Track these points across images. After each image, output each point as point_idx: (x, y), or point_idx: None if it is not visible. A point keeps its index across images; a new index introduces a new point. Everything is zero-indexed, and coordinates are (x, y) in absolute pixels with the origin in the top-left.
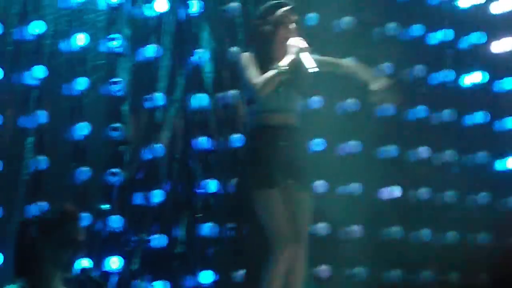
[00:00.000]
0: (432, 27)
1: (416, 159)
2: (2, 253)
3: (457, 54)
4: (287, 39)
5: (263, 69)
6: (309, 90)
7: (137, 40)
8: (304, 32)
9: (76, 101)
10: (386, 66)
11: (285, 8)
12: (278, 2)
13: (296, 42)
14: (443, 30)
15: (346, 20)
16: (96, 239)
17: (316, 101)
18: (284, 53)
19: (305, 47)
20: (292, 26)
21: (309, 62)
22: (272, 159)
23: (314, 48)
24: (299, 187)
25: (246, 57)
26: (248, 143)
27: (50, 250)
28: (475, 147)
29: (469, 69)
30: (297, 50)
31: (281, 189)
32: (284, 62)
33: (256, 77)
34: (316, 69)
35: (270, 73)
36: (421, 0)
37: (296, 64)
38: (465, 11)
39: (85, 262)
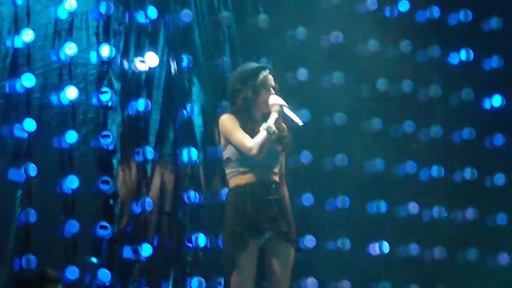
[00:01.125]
0: (422, 82)
1: (405, 215)
2: None
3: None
4: (267, 101)
5: (245, 129)
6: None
7: (128, 94)
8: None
9: (65, 154)
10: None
11: (266, 73)
12: (258, 66)
13: (275, 100)
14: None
15: (336, 76)
16: None
17: (305, 155)
18: (264, 114)
19: (284, 104)
20: (273, 89)
21: (294, 116)
22: (248, 216)
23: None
24: (280, 241)
25: (229, 119)
26: (226, 201)
27: None
28: (464, 203)
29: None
30: (279, 108)
31: (258, 246)
32: (271, 122)
33: (247, 139)
34: (302, 123)
35: (262, 135)
36: (411, 57)
37: (280, 121)
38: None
39: None
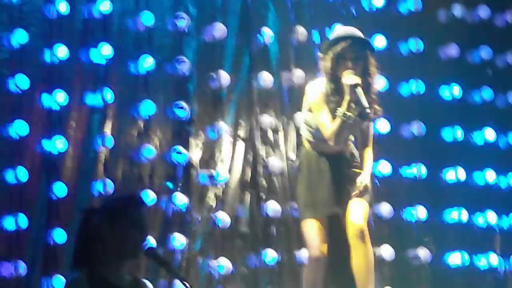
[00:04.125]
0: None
1: (482, 142)
2: (66, 232)
3: None
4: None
5: (326, 98)
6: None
7: (203, 19)
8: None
9: (142, 80)
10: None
11: (344, 44)
12: (343, 37)
13: (348, 79)
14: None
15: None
16: (161, 217)
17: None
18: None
19: (358, 84)
20: (350, 63)
21: (363, 99)
22: (319, 185)
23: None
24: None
25: (317, 95)
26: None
27: (114, 238)
28: None
29: None
30: (351, 89)
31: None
32: (345, 107)
33: (327, 125)
34: (369, 110)
35: (337, 123)
36: None
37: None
38: None
39: (150, 241)
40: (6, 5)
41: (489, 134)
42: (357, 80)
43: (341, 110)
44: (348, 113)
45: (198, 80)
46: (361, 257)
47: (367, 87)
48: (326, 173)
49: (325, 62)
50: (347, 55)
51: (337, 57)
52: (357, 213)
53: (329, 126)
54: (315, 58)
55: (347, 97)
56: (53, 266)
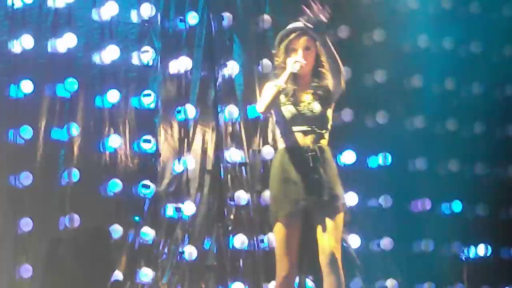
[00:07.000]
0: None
1: (446, 172)
2: (32, 267)
3: None
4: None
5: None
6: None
7: (168, 52)
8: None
9: (107, 114)
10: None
11: (293, 35)
12: (290, 29)
13: (293, 59)
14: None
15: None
16: (128, 251)
17: (347, 113)
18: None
19: (301, 61)
20: (301, 51)
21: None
22: (290, 181)
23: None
24: (323, 208)
25: (266, 87)
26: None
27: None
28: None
29: None
30: (293, 65)
31: (301, 212)
32: (280, 79)
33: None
34: (296, 69)
35: (266, 91)
36: None
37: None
38: None
39: (117, 275)
40: None
41: (454, 165)
42: (301, 60)
43: (278, 81)
44: (278, 83)
45: (164, 113)
46: None
47: (319, 76)
48: (293, 170)
49: (278, 57)
50: (297, 46)
51: (287, 49)
52: (328, 235)
53: (263, 96)
54: None
55: (287, 71)
56: None
